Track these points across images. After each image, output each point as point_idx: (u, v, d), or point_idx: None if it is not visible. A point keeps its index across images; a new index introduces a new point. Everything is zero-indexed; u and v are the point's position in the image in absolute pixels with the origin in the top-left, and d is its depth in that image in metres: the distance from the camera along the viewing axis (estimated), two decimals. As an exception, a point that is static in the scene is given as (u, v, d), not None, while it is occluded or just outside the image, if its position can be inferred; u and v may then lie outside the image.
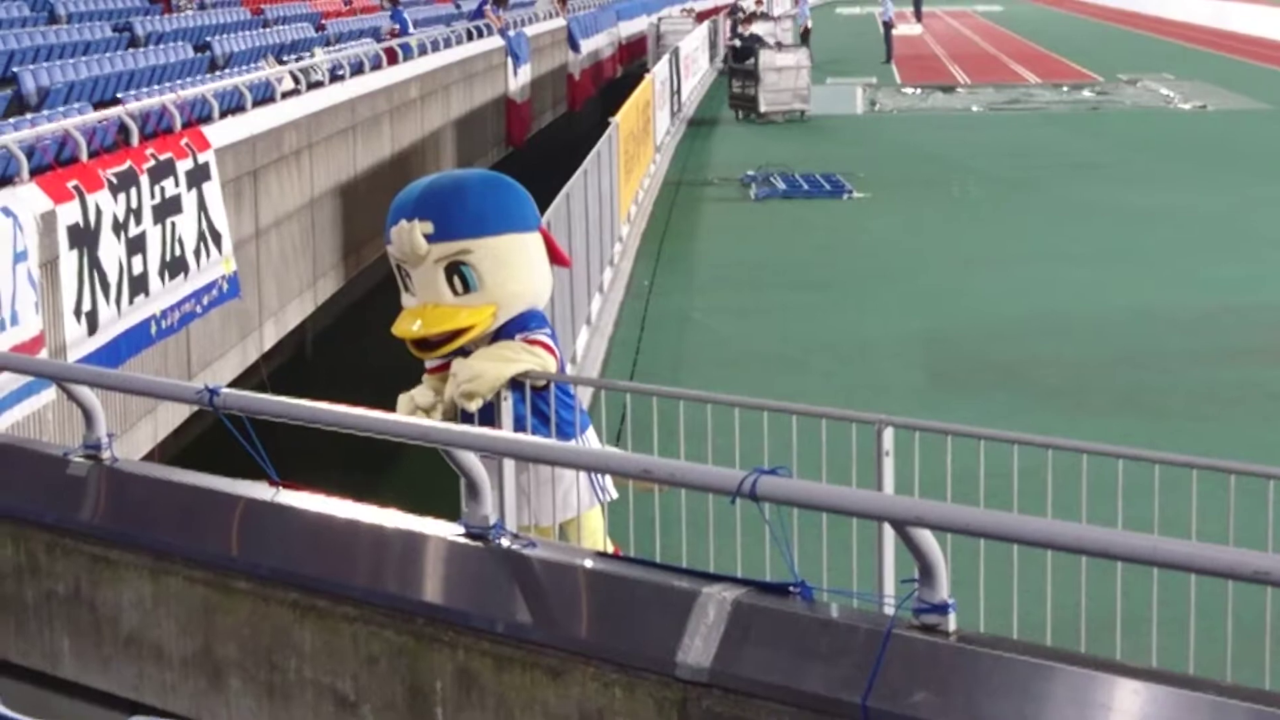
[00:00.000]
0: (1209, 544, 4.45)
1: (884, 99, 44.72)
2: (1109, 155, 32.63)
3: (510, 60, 35.39)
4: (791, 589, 4.99)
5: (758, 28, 52.93)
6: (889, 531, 7.03)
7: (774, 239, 24.06)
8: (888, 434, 7.72)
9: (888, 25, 59.90)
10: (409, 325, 8.24)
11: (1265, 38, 65.08)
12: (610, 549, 8.77)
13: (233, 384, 16.25)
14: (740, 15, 49.85)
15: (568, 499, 8.38)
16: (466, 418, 7.92)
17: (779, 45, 41.58)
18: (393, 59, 26.99)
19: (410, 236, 8.19)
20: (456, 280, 8.23)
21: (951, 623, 4.70)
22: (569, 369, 13.95)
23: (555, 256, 8.75)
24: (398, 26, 32.38)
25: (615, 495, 8.49)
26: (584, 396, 13.15)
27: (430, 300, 8.25)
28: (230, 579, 6.07)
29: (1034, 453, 7.53)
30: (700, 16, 59.23)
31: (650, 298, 19.84)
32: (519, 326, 8.37)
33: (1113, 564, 5.88)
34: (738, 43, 42.25)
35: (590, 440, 8.61)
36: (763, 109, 38.87)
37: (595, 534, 8.65)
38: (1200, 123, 38.24)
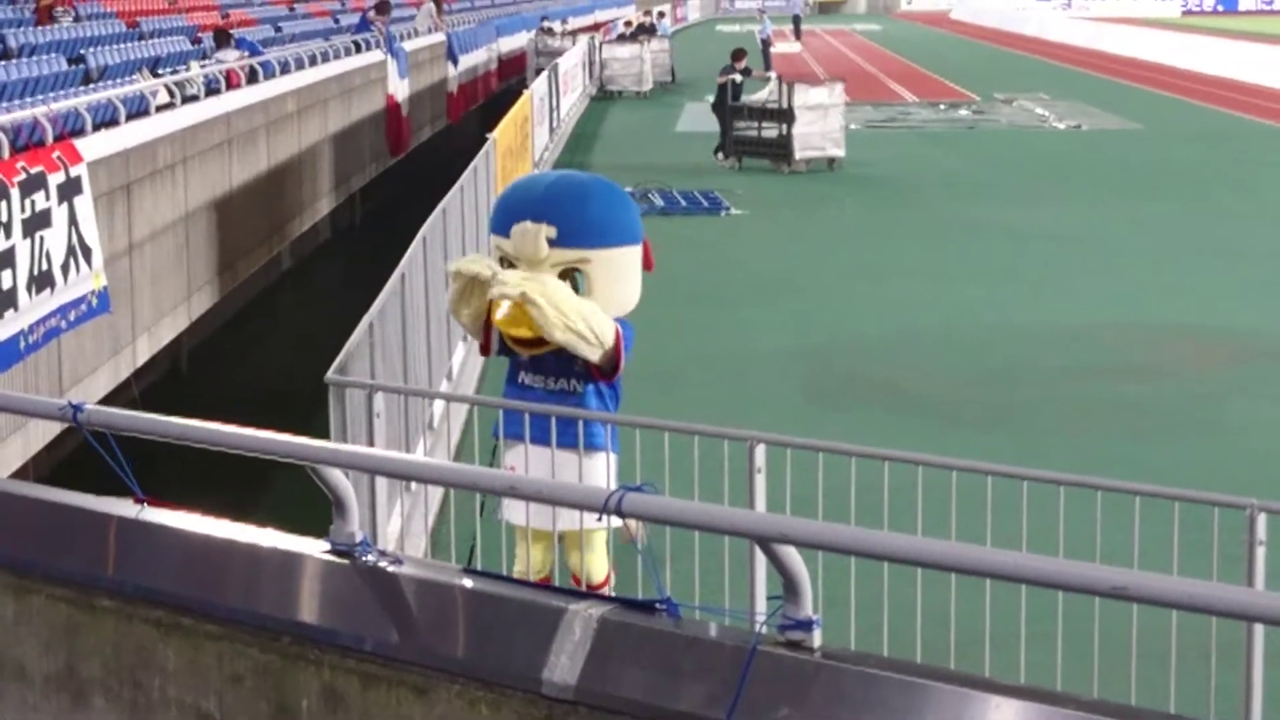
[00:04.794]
0: (1069, 560, 4.49)
1: (763, 116, 44.83)
2: (985, 174, 32.90)
3: (393, 65, 34.95)
4: (658, 606, 4.99)
5: (623, 50, 52.77)
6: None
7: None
8: (760, 451, 7.76)
9: (765, 43, 60.21)
10: (514, 324, 8.26)
11: (1138, 58, 65.92)
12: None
13: (106, 400, 16.13)
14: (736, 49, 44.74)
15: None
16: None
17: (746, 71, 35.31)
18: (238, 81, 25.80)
19: (535, 239, 8.30)
20: (567, 284, 8.32)
21: (816, 639, 4.71)
22: (444, 386, 13.93)
23: (647, 262, 8.92)
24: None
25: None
26: (458, 414, 13.11)
27: None
28: (94, 597, 6.00)
29: (905, 469, 7.59)
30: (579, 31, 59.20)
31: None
32: None
33: (982, 580, 5.93)
34: (738, 77, 34.79)
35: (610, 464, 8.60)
36: (797, 156, 32.01)
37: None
38: (1075, 142, 38.64)
